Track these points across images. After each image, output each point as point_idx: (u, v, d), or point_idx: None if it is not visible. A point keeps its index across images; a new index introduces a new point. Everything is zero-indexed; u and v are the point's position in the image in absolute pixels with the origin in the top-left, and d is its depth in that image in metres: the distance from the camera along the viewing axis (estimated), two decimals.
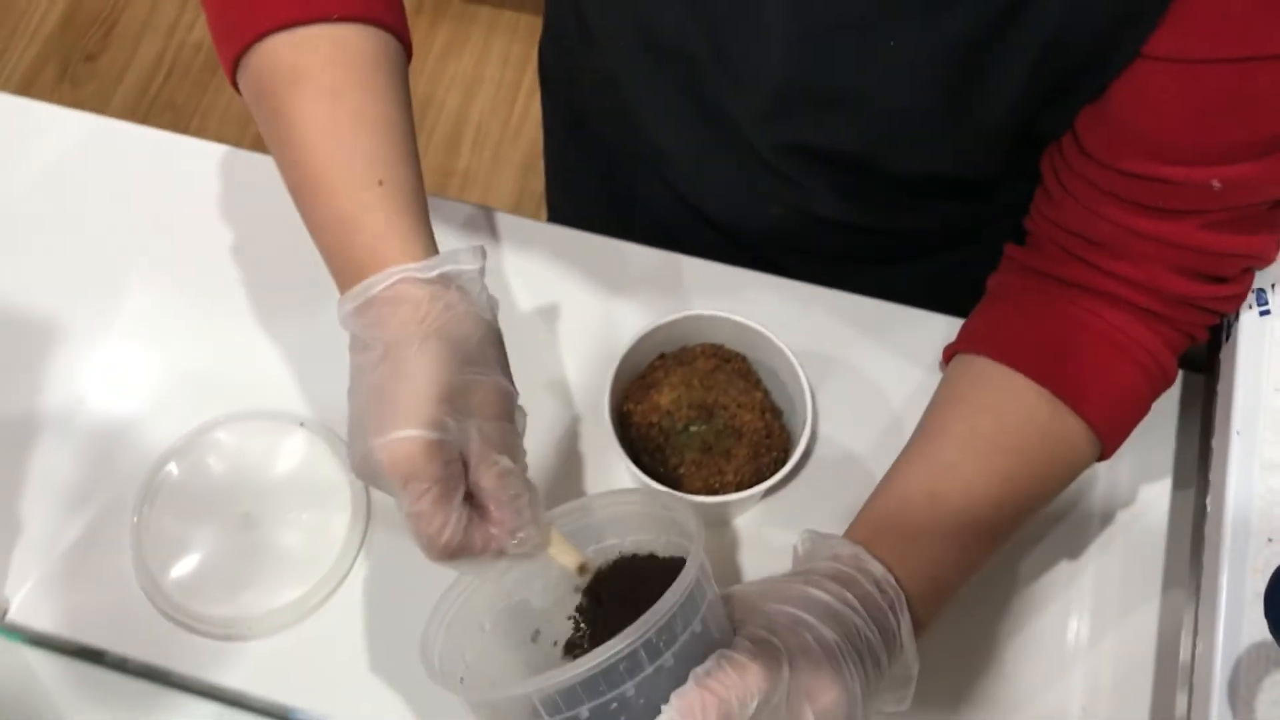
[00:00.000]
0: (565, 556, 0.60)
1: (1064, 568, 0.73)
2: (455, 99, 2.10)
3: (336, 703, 0.69)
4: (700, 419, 0.71)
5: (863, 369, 0.79)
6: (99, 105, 2.08)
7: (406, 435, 0.55)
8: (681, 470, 0.70)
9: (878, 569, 0.60)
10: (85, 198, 0.86)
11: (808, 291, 0.82)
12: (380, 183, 0.61)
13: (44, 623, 0.71)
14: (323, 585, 0.71)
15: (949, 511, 0.64)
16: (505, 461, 0.57)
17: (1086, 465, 0.69)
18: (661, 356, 0.74)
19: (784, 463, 0.70)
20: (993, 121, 0.67)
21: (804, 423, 0.70)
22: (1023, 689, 0.70)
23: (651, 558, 0.62)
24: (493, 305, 0.61)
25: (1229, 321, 0.72)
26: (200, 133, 2.04)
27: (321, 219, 0.62)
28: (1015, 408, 0.67)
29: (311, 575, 0.71)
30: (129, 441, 0.76)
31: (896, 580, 0.60)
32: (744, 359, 0.74)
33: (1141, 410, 0.69)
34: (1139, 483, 0.76)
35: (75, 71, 2.13)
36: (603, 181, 0.98)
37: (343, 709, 0.69)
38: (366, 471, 0.57)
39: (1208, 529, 0.67)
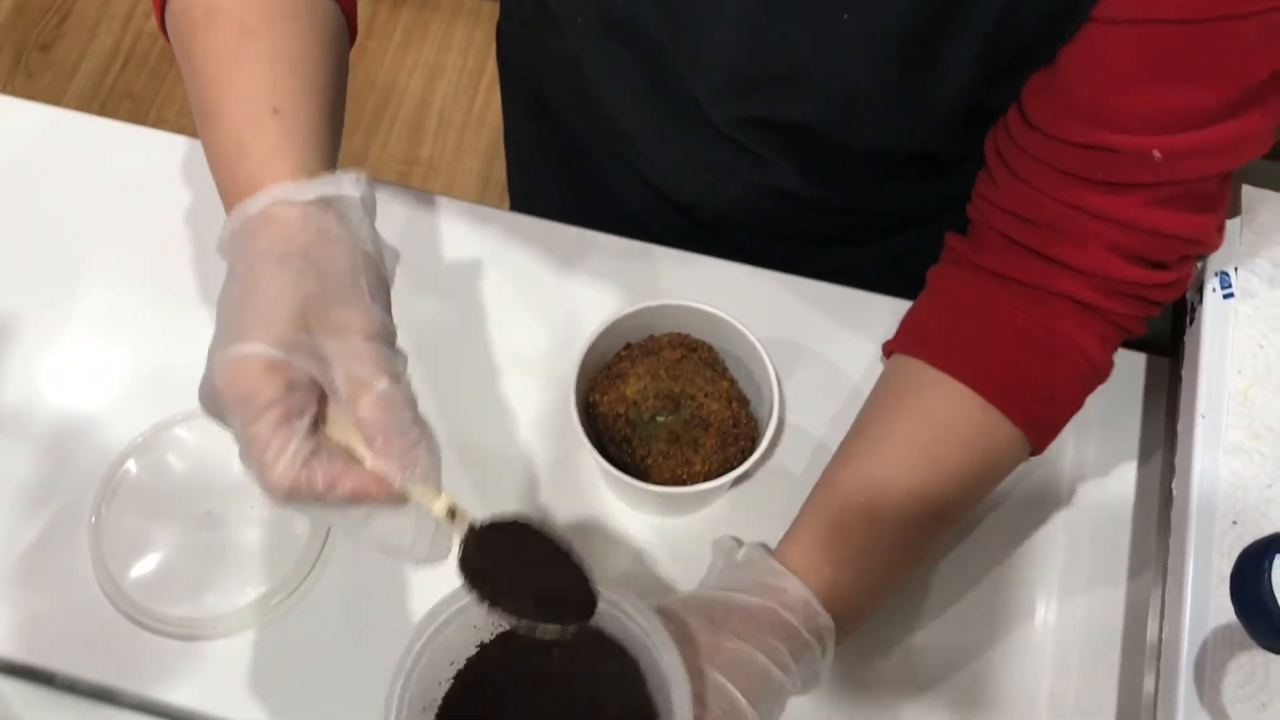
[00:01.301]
0: (432, 500, 0.52)
1: (1032, 551, 0.74)
2: (417, 87, 2.08)
3: (297, 709, 0.68)
4: (667, 409, 0.70)
5: (829, 356, 0.79)
6: (55, 96, 2.05)
7: (246, 351, 0.50)
8: (649, 461, 0.70)
9: (824, 620, 0.62)
10: (41, 191, 0.84)
11: (775, 278, 0.82)
12: (275, 111, 0.59)
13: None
14: (286, 584, 0.70)
15: (887, 528, 0.65)
16: (384, 384, 0.52)
17: (1018, 464, 0.70)
18: (628, 346, 0.74)
19: (751, 451, 0.69)
20: (947, 95, 0.68)
21: (770, 411, 0.69)
22: (991, 671, 0.70)
23: (525, 526, 0.56)
24: (377, 241, 0.57)
25: (1193, 304, 0.73)
26: (160, 123, 2.02)
27: (212, 146, 0.60)
28: (949, 414, 0.67)
29: (274, 574, 0.70)
30: (87, 439, 0.75)
31: (832, 612, 0.62)
32: (710, 348, 0.74)
33: (1073, 409, 0.69)
34: (1105, 467, 0.76)
35: (29, 61, 2.10)
36: (565, 168, 0.97)
37: (304, 714, 0.68)
38: (210, 401, 0.52)
39: (1174, 512, 0.67)
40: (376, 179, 0.86)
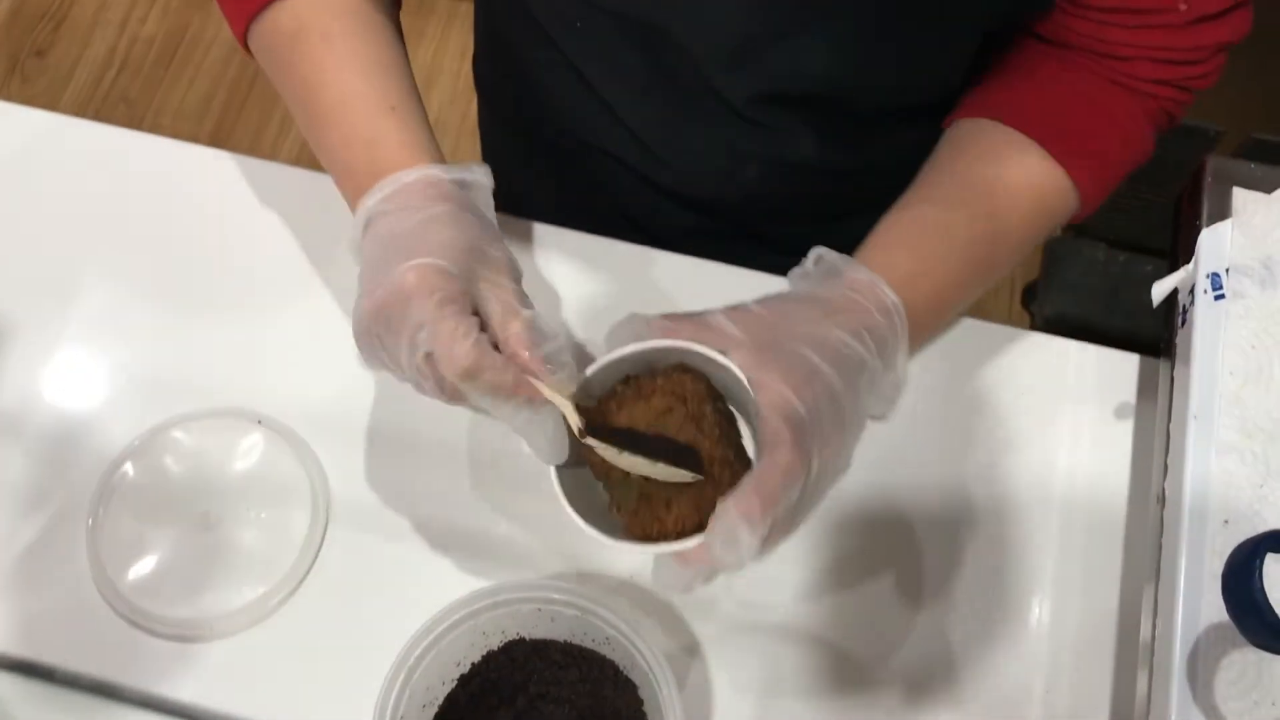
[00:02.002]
0: (571, 411, 0.60)
1: (1026, 551, 0.74)
2: None
3: (296, 708, 0.68)
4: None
5: None
6: (50, 101, 2.05)
7: (430, 261, 0.59)
8: (621, 513, 0.64)
9: (890, 298, 0.65)
10: (38, 195, 0.85)
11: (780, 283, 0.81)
12: (392, 109, 0.68)
13: None
14: (283, 585, 0.70)
15: (955, 245, 0.70)
16: (529, 313, 0.61)
17: (1066, 219, 0.76)
18: (626, 380, 0.65)
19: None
20: (963, 7, 0.71)
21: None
22: (985, 670, 0.70)
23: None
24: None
25: (1185, 306, 0.73)
26: (155, 127, 2.02)
27: (341, 141, 0.68)
28: (1014, 159, 0.73)
29: (272, 575, 0.70)
30: (84, 443, 0.75)
31: (904, 305, 0.66)
32: (705, 398, 0.64)
33: (1120, 177, 0.76)
34: (1099, 467, 0.76)
35: (25, 67, 2.10)
36: (556, 192, 0.96)
37: (303, 713, 0.68)
38: (380, 311, 0.59)
39: (1166, 512, 0.68)
40: None
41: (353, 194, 0.67)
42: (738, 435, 0.64)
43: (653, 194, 0.91)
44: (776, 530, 0.58)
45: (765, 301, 0.64)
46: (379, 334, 0.61)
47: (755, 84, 0.76)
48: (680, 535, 0.61)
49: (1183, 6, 0.68)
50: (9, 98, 0.95)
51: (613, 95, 0.83)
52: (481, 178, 0.67)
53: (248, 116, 2.06)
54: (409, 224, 0.62)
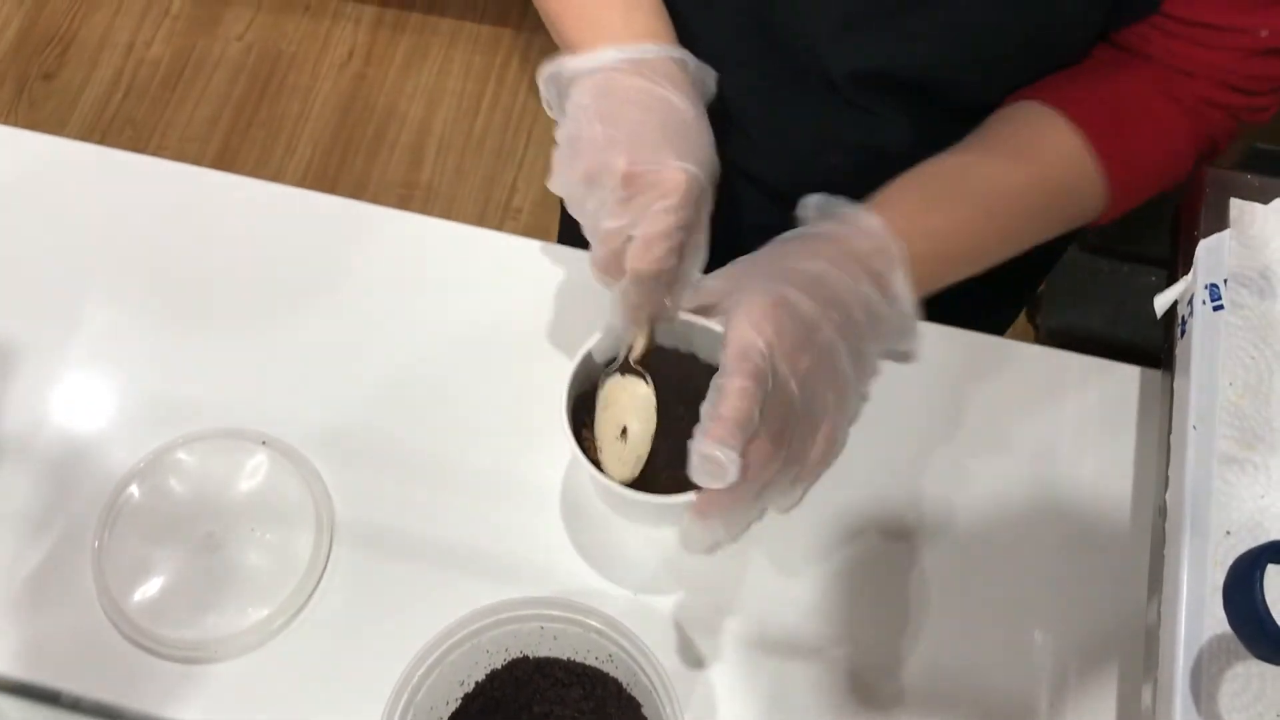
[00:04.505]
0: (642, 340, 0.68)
1: (1029, 564, 0.74)
2: (418, 111, 2.10)
3: None
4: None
5: None
6: (57, 124, 2.06)
7: (696, 173, 0.64)
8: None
9: (874, 222, 0.69)
10: (44, 218, 0.85)
11: None
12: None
13: (3, 651, 0.70)
14: (288, 606, 0.70)
15: (969, 193, 0.72)
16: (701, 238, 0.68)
17: (1088, 218, 0.76)
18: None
19: None
20: (1076, 5, 0.70)
21: None
22: (990, 683, 0.70)
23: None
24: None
25: (1184, 317, 0.73)
26: (161, 149, 2.03)
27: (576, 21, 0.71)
28: (1054, 138, 0.73)
29: (276, 596, 0.71)
30: (89, 465, 0.76)
31: (897, 234, 0.68)
32: (686, 365, 0.72)
33: (1152, 189, 0.76)
34: (1102, 480, 0.76)
35: (33, 90, 2.12)
36: None
37: None
38: (633, 178, 0.64)
39: (1168, 523, 0.68)
40: (377, 203, 0.87)
41: (594, 36, 0.69)
42: None
43: (732, 173, 0.90)
44: (791, 458, 0.65)
45: (761, 251, 0.71)
46: (601, 179, 0.65)
47: (860, 59, 0.76)
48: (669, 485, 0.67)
49: (1264, 32, 0.67)
50: (17, 121, 0.96)
51: (710, 55, 0.79)
52: (692, 60, 0.71)
53: (253, 138, 2.08)
54: (681, 109, 0.67)
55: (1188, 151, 0.75)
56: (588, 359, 0.70)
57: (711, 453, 0.59)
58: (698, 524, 0.64)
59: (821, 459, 0.68)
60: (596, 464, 0.68)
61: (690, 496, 0.64)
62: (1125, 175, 0.74)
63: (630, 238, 0.64)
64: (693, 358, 0.73)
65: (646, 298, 0.66)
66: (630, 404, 0.67)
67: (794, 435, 0.65)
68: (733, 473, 0.60)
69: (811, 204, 0.72)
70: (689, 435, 0.62)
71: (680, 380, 0.71)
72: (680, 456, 0.63)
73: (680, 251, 0.65)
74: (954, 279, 0.74)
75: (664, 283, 0.66)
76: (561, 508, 0.75)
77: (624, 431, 0.68)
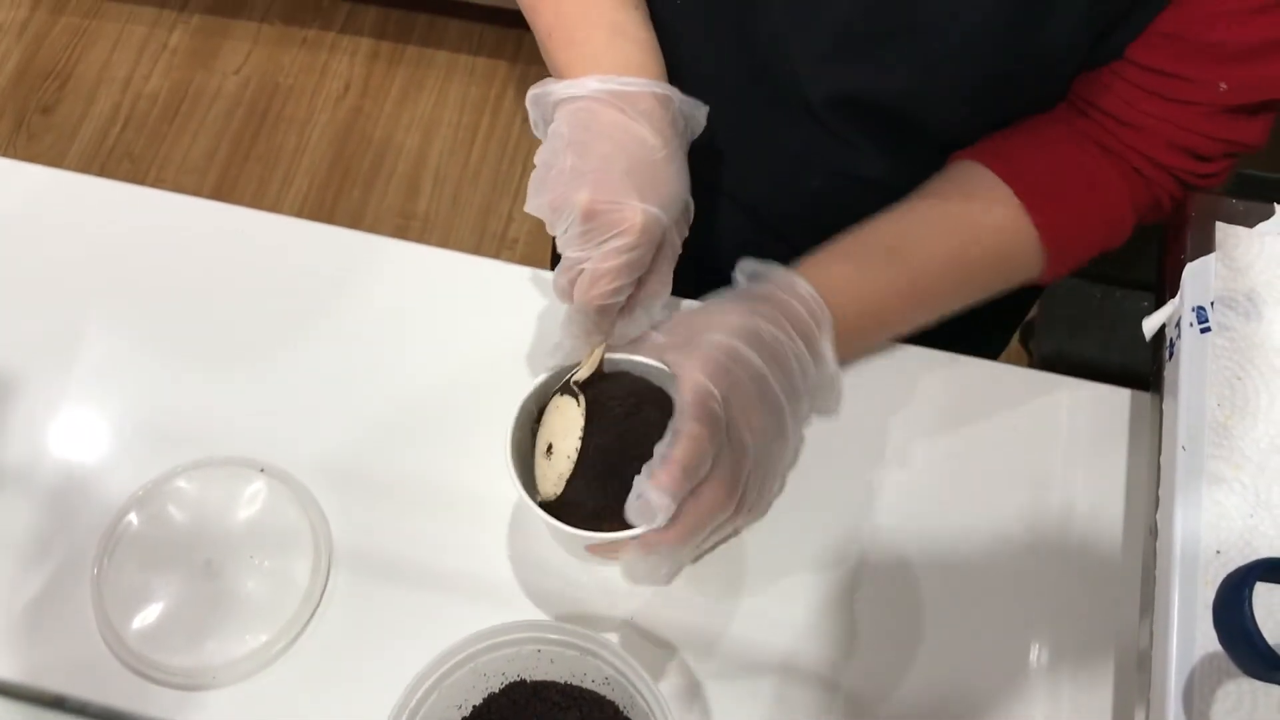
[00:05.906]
0: (587, 366, 0.69)
1: (1022, 584, 0.74)
2: (414, 142, 2.11)
3: None
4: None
5: None
6: (56, 158, 2.08)
7: (658, 216, 0.66)
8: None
9: (805, 288, 0.72)
10: (43, 250, 0.86)
11: None
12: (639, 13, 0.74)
13: (4, 675, 0.70)
14: (286, 631, 0.71)
15: (899, 264, 0.75)
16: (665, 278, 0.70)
17: (1029, 279, 0.78)
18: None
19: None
20: (1058, 44, 0.71)
21: None
22: (985, 704, 0.71)
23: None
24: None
25: (1172, 340, 0.74)
26: (159, 182, 2.04)
27: (573, 59, 0.71)
28: (992, 205, 0.75)
29: (274, 622, 0.71)
30: (89, 493, 0.76)
31: (826, 301, 0.71)
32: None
33: (1089, 257, 0.78)
34: (1093, 501, 0.77)
35: (31, 124, 2.13)
36: None
37: None
38: (593, 212, 0.64)
39: (1159, 543, 0.68)
40: (373, 232, 0.88)
41: (579, 60, 0.71)
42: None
43: (713, 193, 0.90)
44: (742, 508, 0.67)
45: (701, 307, 0.73)
46: (564, 211, 0.66)
47: (839, 87, 0.77)
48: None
49: (1223, 86, 0.68)
50: (15, 154, 0.97)
51: (697, 77, 0.78)
52: (698, 115, 0.72)
53: (250, 170, 2.09)
54: (652, 147, 0.67)
55: (1127, 216, 0.76)
56: (548, 382, 0.71)
57: (648, 495, 0.61)
58: (641, 560, 0.67)
59: (764, 506, 0.72)
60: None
61: (619, 535, 0.64)
62: (1061, 242, 0.76)
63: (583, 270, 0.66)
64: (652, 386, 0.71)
65: (591, 328, 0.68)
66: (560, 424, 0.67)
67: (749, 484, 0.67)
68: (660, 519, 0.61)
69: (746, 268, 0.74)
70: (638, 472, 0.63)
71: (640, 407, 0.69)
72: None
73: (630, 288, 0.67)
74: (880, 341, 0.80)
75: (609, 317, 0.68)
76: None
77: (549, 449, 0.68)
